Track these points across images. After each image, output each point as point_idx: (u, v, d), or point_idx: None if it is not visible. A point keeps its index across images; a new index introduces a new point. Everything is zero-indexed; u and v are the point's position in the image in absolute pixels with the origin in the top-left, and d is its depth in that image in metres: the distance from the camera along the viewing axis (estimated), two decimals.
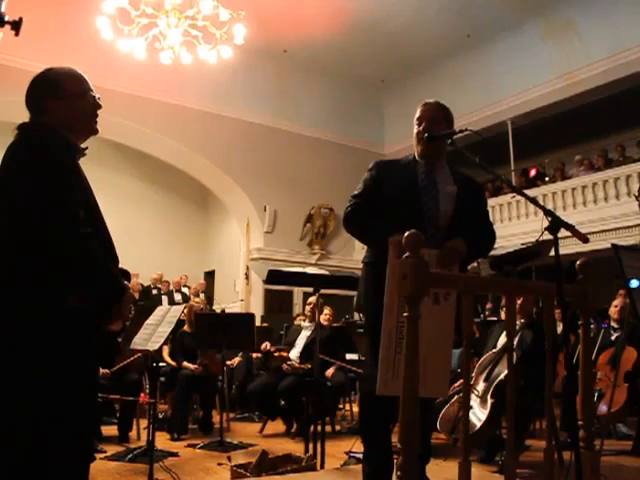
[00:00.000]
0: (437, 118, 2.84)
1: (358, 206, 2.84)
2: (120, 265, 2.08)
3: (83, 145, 2.10)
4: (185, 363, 5.83)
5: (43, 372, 1.79)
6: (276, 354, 6.05)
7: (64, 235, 1.80)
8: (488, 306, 9.90)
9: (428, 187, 2.82)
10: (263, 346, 6.30)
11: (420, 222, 2.63)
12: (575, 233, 2.14)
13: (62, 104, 2.04)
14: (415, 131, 2.88)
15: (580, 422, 2.36)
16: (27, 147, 1.92)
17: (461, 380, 4.18)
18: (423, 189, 2.82)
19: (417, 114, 2.89)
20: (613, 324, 5.44)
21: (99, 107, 2.15)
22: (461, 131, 2.60)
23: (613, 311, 5.47)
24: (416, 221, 2.53)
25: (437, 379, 2.43)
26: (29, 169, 1.86)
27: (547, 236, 2.25)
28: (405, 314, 1.81)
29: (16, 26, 1.33)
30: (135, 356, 5.20)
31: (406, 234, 1.82)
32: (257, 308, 12.47)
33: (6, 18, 1.31)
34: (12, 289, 1.83)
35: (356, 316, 9.36)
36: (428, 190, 2.82)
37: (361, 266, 2.99)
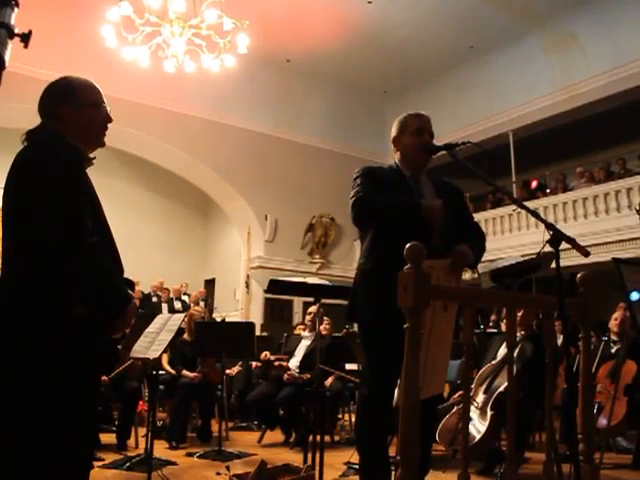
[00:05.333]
0: (432, 133, 2.89)
1: (366, 194, 2.76)
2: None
3: (90, 155, 2.11)
4: (184, 372, 5.82)
5: (45, 381, 1.79)
6: (276, 363, 6.04)
7: (71, 245, 1.81)
8: (492, 318, 9.88)
9: (422, 199, 2.81)
10: (263, 355, 6.29)
11: (429, 235, 2.63)
12: (576, 247, 2.15)
13: (77, 113, 2.06)
14: (414, 141, 2.84)
15: (580, 435, 2.36)
16: (36, 155, 1.93)
17: (461, 392, 4.18)
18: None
19: (414, 124, 2.87)
20: (613, 337, 5.43)
21: (110, 120, 2.17)
22: (463, 143, 2.61)
23: (613, 324, 5.46)
24: (425, 235, 2.54)
25: (437, 379, 2.45)
26: (38, 179, 1.86)
27: (548, 249, 2.26)
28: (405, 325, 1.81)
29: (25, 38, 1.34)
30: (129, 362, 5.17)
31: (407, 246, 1.83)
32: (257, 317, 12.46)
33: (16, 31, 1.32)
34: (18, 298, 1.83)
35: (356, 326, 9.34)
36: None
37: (355, 272, 2.90)
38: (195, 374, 5.77)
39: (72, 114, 2.05)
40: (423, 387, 2.17)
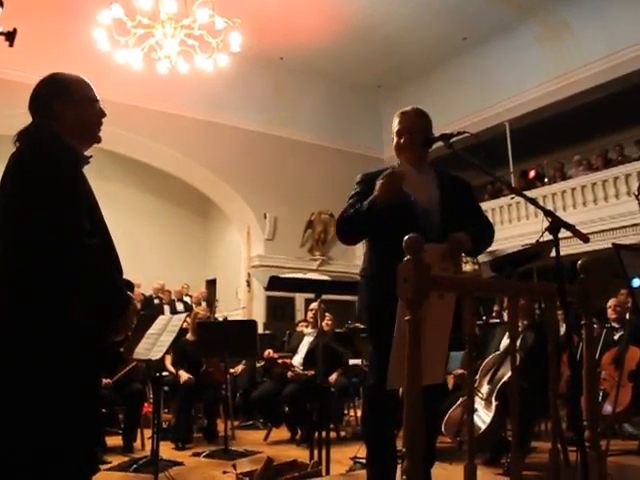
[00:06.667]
0: (417, 126, 2.88)
1: (345, 212, 2.89)
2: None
3: (87, 153, 2.09)
4: (181, 372, 5.80)
5: (45, 387, 1.78)
6: (279, 361, 6.03)
7: (68, 246, 1.79)
8: (495, 308, 9.86)
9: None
10: (266, 353, 6.29)
11: (424, 232, 2.64)
12: (576, 233, 2.14)
13: (71, 108, 2.03)
14: (395, 143, 2.91)
15: (585, 422, 2.36)
16: (33, 156, 1.90)
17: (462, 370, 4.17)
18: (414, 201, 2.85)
19: (396, 125, 2.91)
20: (614, 324, 5.44)
21: (104, 115, 2.15)
22: (459, 133, 2.60)
23: (609, 311, 5.47)
24: (420, 232, 2.55)
25: (435, 368, 2.45)
26: (35, 179, 1.84)
27: (547, 237, 2.25)
28: (407, 317, 1.81)
29: (10, 37, 1.33)
30: (131, 365, 5.17)
31: (406, 238, 1.82)
32: (259, 315, 12.45)
33: (0, 29, 1.31)
34: (15, 299, 1.82)
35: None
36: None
37: (359, 278, 3.04)
38: (189, 376, 5.73)
39: (67, 110, 2.02)
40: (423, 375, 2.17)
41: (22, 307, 1.81)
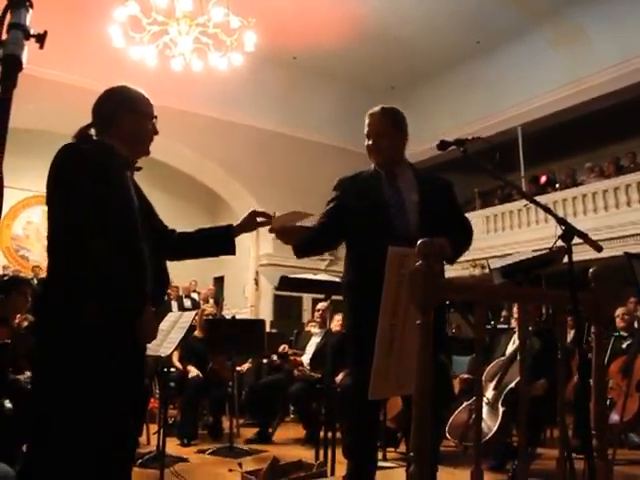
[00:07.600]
0: (383, 129, 2.97)
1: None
2: None
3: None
4: (189, 367, 5.85)
5: (63, 389, 1.81)
6: (291, 358, 6.07)
7: (76, 246, 1.82)
8: (504, 314, 9.82)
9: (394, 198, 2.89)
10: (281, 348, 6.33)
11: (391, 236, 2.63)
12: (588, 242, 2.14)
13: (133, 119, 2.17)
14: (365, 145, 3.02)
15: (593, 432, 2.35)
16: (59, 156, 1.97)
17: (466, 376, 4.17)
18: (389, 201, 2.88)
19: (365, 127, 3.02)
20: (622, 332, 5.42)
21: (156, 133, 2.28)
22: (474, 139, 2.60)
23: (617, 320, 5.45)
24: (387, 236, 2.55)
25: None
26: (56, 179, 1.92)
27: (560, 243, 2.25)
28: (418, 322, 1.81)
29: (41, 39, 1.35)
30: None
31: (419, 243, 1.82)
32: (266, 314, 12.46)
33: (31, 31, 1.34)
34: (44, 299, 1.89)
35: None
36: (394, 201, 2.88)
37: None
38: (197, 373, 5.76)
39: (129, 121, 2.16)
40: (405, 384, 2.16)
41: (47, 304, 1.89)
